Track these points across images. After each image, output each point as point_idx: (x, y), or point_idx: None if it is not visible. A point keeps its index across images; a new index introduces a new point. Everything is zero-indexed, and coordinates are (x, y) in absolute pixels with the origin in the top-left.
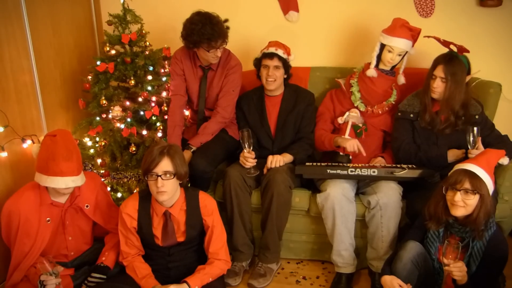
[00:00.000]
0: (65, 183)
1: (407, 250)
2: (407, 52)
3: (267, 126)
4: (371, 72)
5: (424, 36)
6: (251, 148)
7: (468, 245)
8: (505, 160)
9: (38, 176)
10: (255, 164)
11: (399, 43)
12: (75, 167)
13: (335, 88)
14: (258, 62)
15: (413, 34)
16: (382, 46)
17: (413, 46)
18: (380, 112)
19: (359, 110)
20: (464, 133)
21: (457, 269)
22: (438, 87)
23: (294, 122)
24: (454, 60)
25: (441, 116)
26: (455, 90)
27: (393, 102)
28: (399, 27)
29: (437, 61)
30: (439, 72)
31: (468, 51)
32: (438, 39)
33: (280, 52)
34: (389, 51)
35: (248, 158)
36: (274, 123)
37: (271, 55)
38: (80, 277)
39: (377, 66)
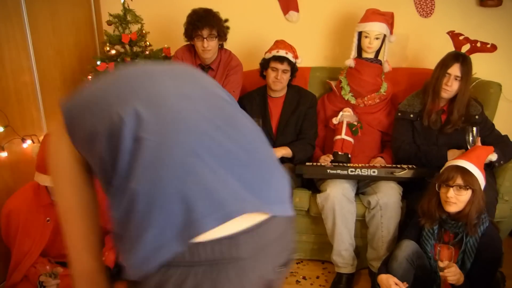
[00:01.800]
0: None
1: (401, 249)
2: (385, 36)
3: (269, 127)
4: (349, 61)
5: (447, 32)
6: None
7: (461, 241)
8: (493, 156)
9: (37, 175)
10: None
11: (373, 26)
12: None
13: (331, 91)
14: (266, 63)
15: (386, 18)
16: (359, 36)
17: (391, 33)
18: (371, 103)
19: (351, 104)
20: (463, 133)
21: (450, 274)
22: (452, 85)
23: (295, 123)
24: (467, 60)
25: (441, 115)
26: (465, 89)
27: (384, 93)
28: (371, 14)
29: (452, 60)
30: (455, 70)
31: (493, 50)
32: (456, 36)
33: (290, 56)
34: (366, 37)
35: None
36: (276, 124)
37: (282, 59)
38: None
39: (360, 56)
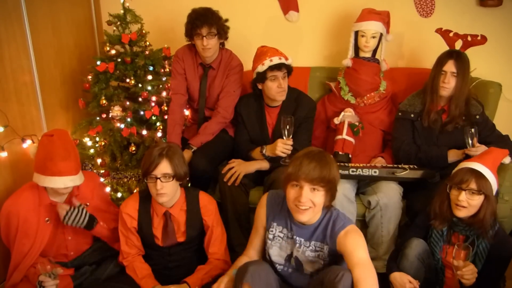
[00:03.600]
0: (63, 183)
1: (412, 247)
2: (382, 35)
3: (267, 137)
4: (347, 61)
5: (435, 31)
6: (291, 136)
7: (473, 244)
8: (507, 159)
9: (36, 176)
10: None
11: (369, 25)
12: (73, 166)
13: (331, 92)
14: (263, 76)
15: (382, 17)
16: (356, 35)
17: (388, 32)
18: (371, 102)
19: (351, 104)
20: (464, 133)
21: (469, 273)
22: (449, 82)
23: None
24: (462, 55)
25: (442, 114)
26: (464, 85)
27: (384, 92)
28: (366, 13)
29: (446, 57)
30: (450, 67)
31: (484, 42)
32: (446, 33)
33: (284, 60)
34: (362, 36)
35: (289, 145)
36: (271, 134)
37: (280, 66)
38: (80, 277)
39: (357, 55)
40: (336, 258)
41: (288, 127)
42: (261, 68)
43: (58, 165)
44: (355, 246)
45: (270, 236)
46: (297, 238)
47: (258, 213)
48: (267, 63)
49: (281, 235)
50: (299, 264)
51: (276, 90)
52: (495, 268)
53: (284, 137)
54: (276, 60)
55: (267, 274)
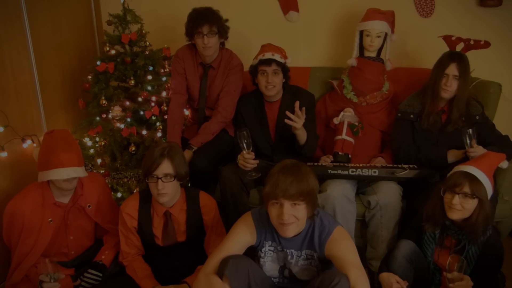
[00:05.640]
0: (66, 173)
1: (400, 249)
2: (386, 35)
3: (267, 133)
4: (351, 61)
5: (438, 36)
6: (250, 148)
7: (463, 248)
8: (504, 164)
9: (40, 175)
10: (256, 165)
11: (374, 25)
12: (75, 158)
13: (332, 90)
14: (254, 69)
15: (387, 16)
16: (361, 35)
17: (393, 31)
18: (373, 102)
19: (353, 103)
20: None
21: (462, 287)
22: (451, 85)
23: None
24: (463, 58)
25: (441, 115)
26: (464, 87)
27: (386, 92)
28: (371, 13)
29: (448, 60)
30: (453, 70)
31: (486, 46)
32: (449, 37)
33: (277, 57)
34: (367, 35)
35: (249, 159)
36: (274, 130)
37: (269, 62)
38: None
39: (362, 55)
40: (326, 263)
41: (245, 140)
42: (254, 62)
43: (60, 156)
44: (344, 251)
45: (262, 254)
46: (288, 250)
47: (243, 231)
48: (259, 57)
49: (272, 248)
50: (292, 275)
51: (264, 84)
52: (484, 272)
53: (244, 151)
54: (267, 56)
55: (244, 269)
